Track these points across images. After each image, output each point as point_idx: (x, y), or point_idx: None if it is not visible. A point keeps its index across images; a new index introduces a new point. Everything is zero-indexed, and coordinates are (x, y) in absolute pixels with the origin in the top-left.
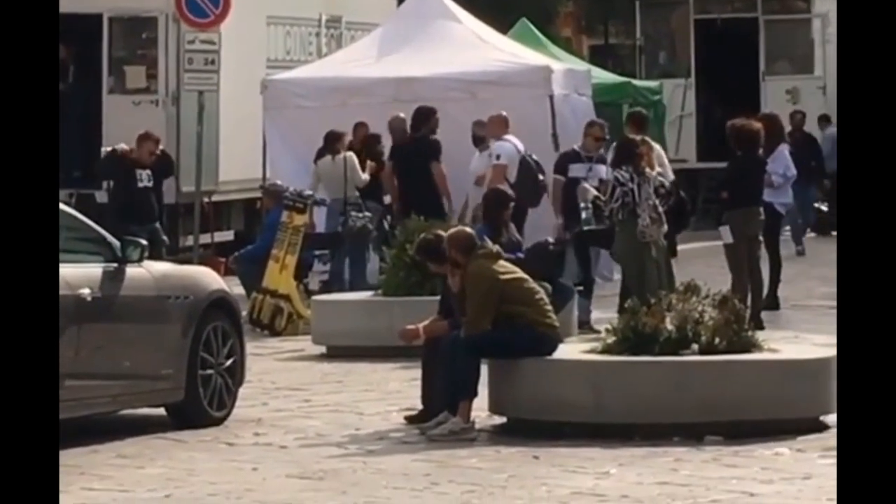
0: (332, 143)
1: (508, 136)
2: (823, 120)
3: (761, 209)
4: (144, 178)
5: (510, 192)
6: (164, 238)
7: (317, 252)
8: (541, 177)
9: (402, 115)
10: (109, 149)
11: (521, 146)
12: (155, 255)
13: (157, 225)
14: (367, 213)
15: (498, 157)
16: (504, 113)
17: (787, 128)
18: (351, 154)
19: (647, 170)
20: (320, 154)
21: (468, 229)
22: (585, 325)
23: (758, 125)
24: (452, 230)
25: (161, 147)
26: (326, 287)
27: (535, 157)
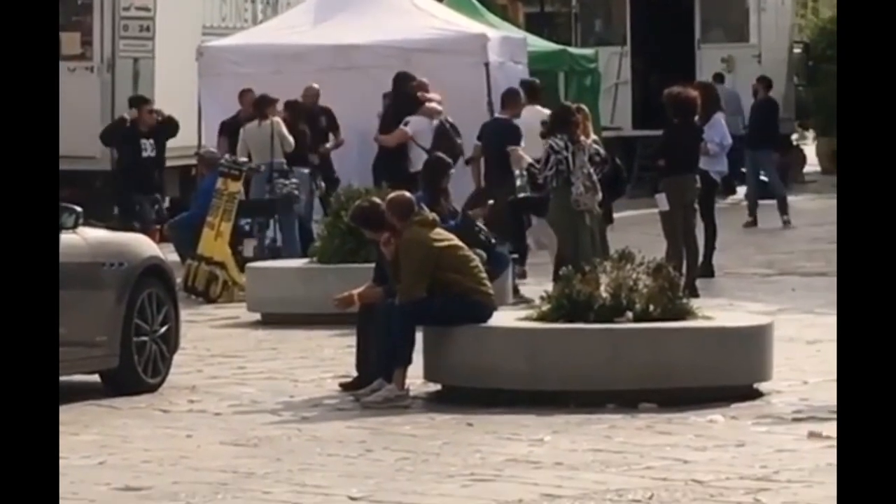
0: (261, 107)
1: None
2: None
3: (697, 177)
4: (148, 147)
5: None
6: (164, 207)
7: (248, 220)
8: (458, 140)
9: (315, 85)
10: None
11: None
12: (158, 223)
13: (158, 195)
14: (294, 181)
15: (406, 123)
16: (424, 80)
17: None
18: (278, 119)
19: (582, 138)
20: (248, 119)
21: (407, 194)
22: (516, 295)
23: (694, 93)
24: (392, 194)
25: (159, 109)
26: (273, 255)
27: (450, 119)
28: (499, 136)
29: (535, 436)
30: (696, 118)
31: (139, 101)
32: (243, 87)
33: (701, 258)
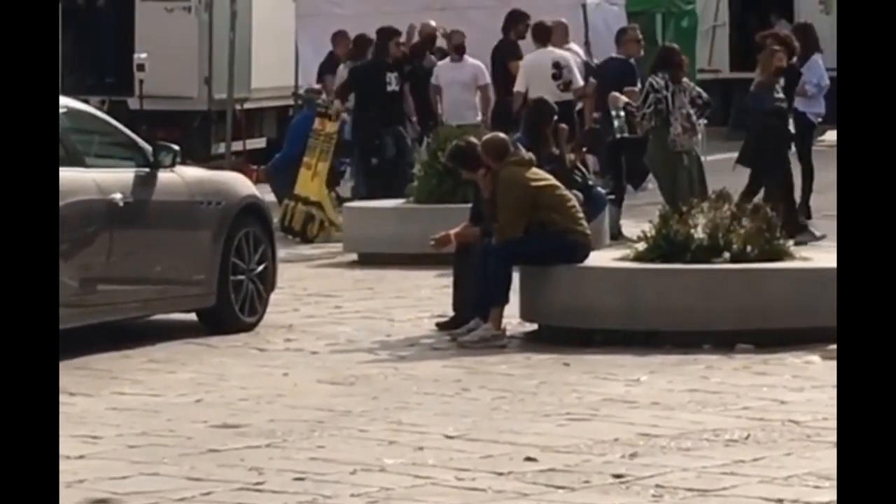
0: (359, 47)
1: (570, 45)
2: None
3: (790, 119)
4: (393, 81)
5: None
6: (408, 140)
7: (345, 160)
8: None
9: (433, 22)
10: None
11: (581, 54)
12: (399, 156)
13: (400, 128)
14: None
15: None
16: (564, 20)
17: None
18: None
19: (685, 79)
20: (347, 59)
21: (502, 135)
22: (619, 237)
23: (787, 34)
24: (487, 135)
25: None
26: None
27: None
28: (614, 75)
29: (632, 376)
30: (794, 59)
31: (388, 34)
32: (338, 29)
33: (799, 200)
